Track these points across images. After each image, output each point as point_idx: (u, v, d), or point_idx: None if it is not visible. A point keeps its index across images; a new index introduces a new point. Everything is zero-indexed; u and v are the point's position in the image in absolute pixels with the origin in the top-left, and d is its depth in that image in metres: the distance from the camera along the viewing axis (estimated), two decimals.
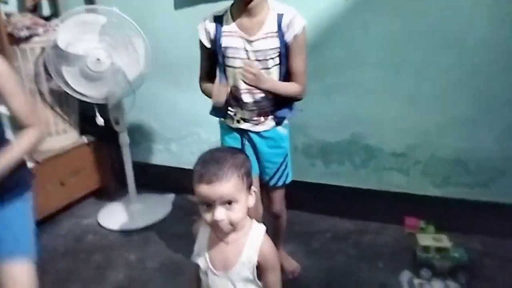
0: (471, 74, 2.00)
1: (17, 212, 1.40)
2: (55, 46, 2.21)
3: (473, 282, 1.86)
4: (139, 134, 2.79)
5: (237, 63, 1.55)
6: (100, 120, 2.38)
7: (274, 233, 1.93)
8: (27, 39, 2.30)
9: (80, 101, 2.40)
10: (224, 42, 1.54)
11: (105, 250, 2.27)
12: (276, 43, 1.51)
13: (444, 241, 1.90)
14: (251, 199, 1.13)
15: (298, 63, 1.56)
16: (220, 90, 1.55)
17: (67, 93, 2.29)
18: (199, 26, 1.59)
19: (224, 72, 1.60)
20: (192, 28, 1.66)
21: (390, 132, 2.21)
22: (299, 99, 1.65)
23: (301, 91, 1.60)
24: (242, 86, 1.56)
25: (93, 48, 2.19)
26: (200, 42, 1.60)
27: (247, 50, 1.52)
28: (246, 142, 1.69)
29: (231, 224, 1.07)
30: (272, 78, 1.57)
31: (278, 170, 1.73)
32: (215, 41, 1.55)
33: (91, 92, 2.29)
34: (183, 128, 2.67)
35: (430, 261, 1.90)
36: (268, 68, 1.56)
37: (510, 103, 1.97)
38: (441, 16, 1.96)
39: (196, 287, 1.23)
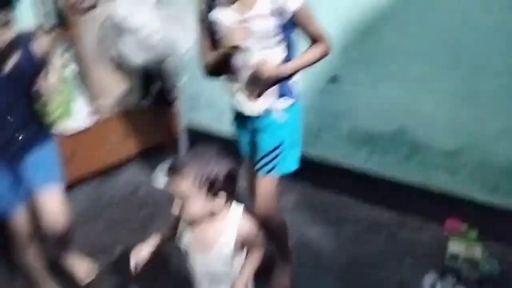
0: None
1: (47, 148, 1.69)
2: (113, 19, 2.36)
3: None
4: (193, 101, 2.92)
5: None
6: (155, 88, 2.55)
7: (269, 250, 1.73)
8: (89, 9, 2.48)
9: (140, 69, 2.57)
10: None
11: (152, 205, 2.51)
12: (270, 23, 1.50)
13: (476, 252, 1.84)
14: (217, 202, 1.18)
15: (312, 29, 1.55)
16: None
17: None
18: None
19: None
20: None
21: (441, 129, 2.10)
22: (327, 54, 1.61)
23: (327, 47, 1.59)
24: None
25: (147, 21, 2.31)
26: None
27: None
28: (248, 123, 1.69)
29: (188, 215, 1.18)
30: (288, 64, 1.56)
31: (266, 156, 1.64)
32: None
33: (146, 62, 2.44)
34: None
35: (457, 269, 1.85)
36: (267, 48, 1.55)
37: None
38: (503, 15, 1.77)
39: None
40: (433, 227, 2.18)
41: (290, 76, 1.59)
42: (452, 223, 2.06)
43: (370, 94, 2.23)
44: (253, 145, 1.70)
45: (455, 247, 1.87)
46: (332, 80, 2.31)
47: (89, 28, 2.50)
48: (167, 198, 2.47)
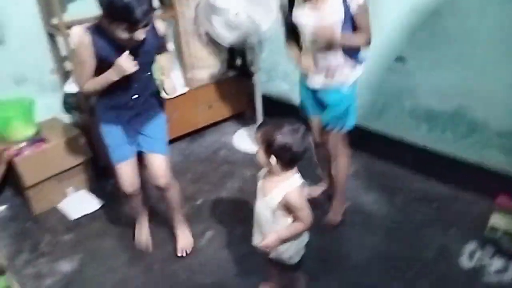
0: None
1: (162, 122, 2.01)
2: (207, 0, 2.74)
3: None
4: (273, 72, 3.24)
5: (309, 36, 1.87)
6: (239, 61, 2.91)
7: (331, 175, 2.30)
8: (154, 10, 2.86)
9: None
10: (295, 17, 1.88)
11: (231, 164, 2.92)
12: (340, 15, 1.77)
13: None
14: (271, 160, 1.45)
15: (364, 22, 1.82)
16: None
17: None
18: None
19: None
20: None
21: (498, 110, 2.18)
22: (368, 45, 1.89)
23: (368, 37, 1.86)
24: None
25: (235, 2, 2.65)
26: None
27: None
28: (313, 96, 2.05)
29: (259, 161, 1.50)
30: (342, 36, 1.81)
31: (336, 118, 2.03)
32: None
33: (231, 38, 2.80)
34: None
35: (498, 241, 1.99)
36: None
37: None
38: None
39: None
40: (483, 202, 2.29)
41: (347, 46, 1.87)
42: (503, 200, 2.15)
43: (432, 74, 2.36)
44: (321, 107, 2.06)
45: (496, 220, 1.99)
46: (398, 60, 2.47)
47: (187, 7, 2.91)
48: (243, 158, 2.92)
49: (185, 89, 2.99)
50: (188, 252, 2.17)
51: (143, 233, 2.23)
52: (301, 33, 1.92)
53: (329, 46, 1.84)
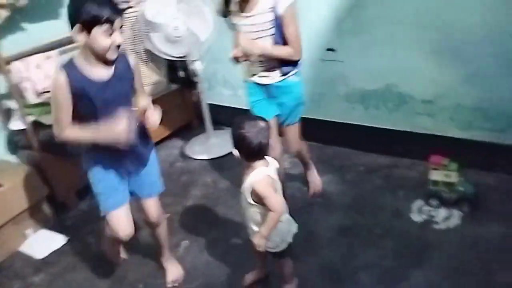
0: (495, 31, 2.17)
1: (154, 161, 1.92)
2: (144, 16, 2.82)
3: (475, 212, 2.22)
4: (213, 81, 3.39)
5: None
6: (181, 73, 3.01)
7: (304, 164, 2.51)
8: (124, 10, 2.93)
9: (167, 58, 3.03)
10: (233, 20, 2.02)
11: (189, 174, 3.02)
12: (270, 16, 1.90)
13: (452, 177, 2.25)
14: (238, 154, 1.63)
15: (290, 30, 1.93)
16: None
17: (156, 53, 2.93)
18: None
19: None
20: None
21: (420, 82, 2.50)
22: (295, 60, 2.02)
23: (293, 52, 1.97)
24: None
25: (173, 17, 2.76)
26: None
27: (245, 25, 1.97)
28: (265, 92, 2.15)
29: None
30: (264, 45, 1.94)
31: (292, 111, 2.15)
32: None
33: (173, 52, 2.90)
34: None
35: (439, 193, 2.29)
36: (261, 37, 1.97)
37: None
38: None
39: None
40: (420, 164, 2.59)
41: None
42: (435, 159, 2.43)
43: (361, 59, 2.63)
44: (275, 106, 2.16)
45: (434, 175, 2.29)
46: (329, 50, 2.72)
47: (125, 26, 2.95)
48: (200, 166, 3.02)
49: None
50: (178, 283, 2.13)
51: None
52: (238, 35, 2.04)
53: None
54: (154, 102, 3.13)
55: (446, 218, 2.24)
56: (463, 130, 2.49)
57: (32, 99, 2.58)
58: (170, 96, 3.29)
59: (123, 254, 2.24)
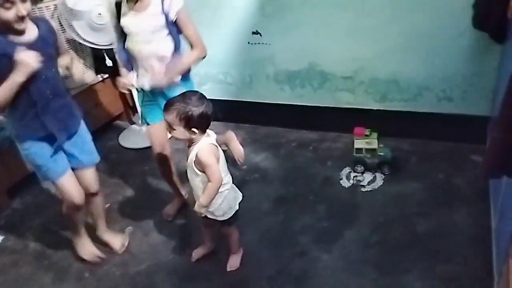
0: (402, 10, 2.43)
1: (85, 130, 2.00)
2: (65, 4, 2.74)
3: (395, 173, 2.49)
4: None
5: (135, 36, 1.95)
6: (108, 62, 2.97)
7: None
8: None
9: (92, 48, 2.97)
10: (122, 21, 1.95)
11: (125, 164, 3.00)
12: (161, 20, 1.90)
13: (373, 144, 2.50)
14: (190, 134, 1.68)
15: (190, 32, 1.96)
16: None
17: (80, 42, 2.86)
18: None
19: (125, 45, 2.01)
20: None
21: (339, 60, 2.72)
22: (204, 56, 2.01)
23: (201, 52, 1.98)
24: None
25: (95, 4, 2.71)
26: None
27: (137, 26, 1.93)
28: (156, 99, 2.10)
29: (177, 139, 1.71)
30: (175, 65, 1.93)
31: None
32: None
33: (97, 40, 2.85)
34: None
35: (362, 159, 2.53)
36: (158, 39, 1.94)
37: (431, 34, 2.43)
38: None
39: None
40: (345, 137, 2.84)
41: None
42: (358, 130, 2.67)
43: (285, 41, 2.79)
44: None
45: (359, 144, 2.52)
46: (254, 33, 2.84)
47: (43, 15, 2.83)
48: (136, 155, 3.02)
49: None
50: (126, 244, 2.26)
51: (88, 244, 2.21)
52: (129, 38, 1.98)
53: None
54: (82, 93, 3.12)
55: (371, 181, 2.49)
56: (379, 102, 2.75)
57: None
58: (99, 86, 3.22)
59: (100, 253, 2.21)
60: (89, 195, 2.08)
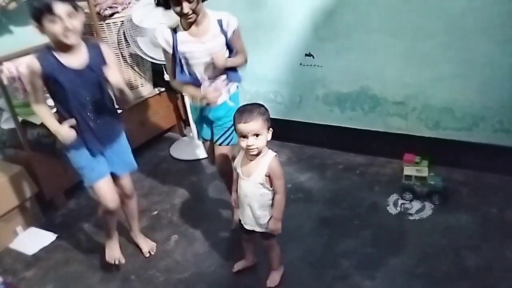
0: (458, 37, 2.40)
1: (125, 142, 2.12)
2: (131, 21, 2.93)
3: (445, 203, 2.41)
4: None
5: (196, 60, 2.03)
6: (166, 76, 3.11)
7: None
8: (110, 16, 3.03)
9: (152, 63, 3.14)
10: (181, 48, 2.02)
11: (175, 174, 3.11)
12: (222, 40, 2.03)
13: (424, 172, 2.44)
14: (269, 135, 1.78)
15: (239, 45, 2.09)
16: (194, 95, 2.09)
17: (142, 57, 3.03)
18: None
19: (183, 69, 2.07)
20: None
21: (392, 85, 2.70)
22: (246, 63, 2.15)
23: (244, 59, 2.13)
24: (205, 75, 2.07)
25: (159, 22, 2.87)
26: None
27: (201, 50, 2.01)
28: (205, 116, 2.19)
29: (257, 148, 1.74)
30: (228, 59, 2.06)
31: (225, 133, 2.18)
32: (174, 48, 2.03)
33: (158, 56, 3.00)
34: None
35: (412, 187, 2.47)
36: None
37: (487, 62, 2.37)
38: None
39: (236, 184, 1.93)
40: (394, 162, 2.78)
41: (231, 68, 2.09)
42: (408, 157, 2.61)
43: (337, 63, 2.82)
44: (212, 129, 2.22)
45: (409, 171, 2.48)
46: (308, 55, 2.89)
47: (109, 32, 3.04)
48: (185, 167, 3.12)
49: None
50: (154, 251, 2.37)
51: (115, 248, 2.30)
52: (189, 63, 2.05)
53: (219, 69, 2.04)
54: (139, 105, 3.29)
55: (419, 209, 2.43)
56: (432, 130, 2.69)
57: (21, 98, 2.64)
58: (155, 99, 3.38)
59: (121, 258, 2.27)
60: (124, 197, 2.21)
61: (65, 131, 1.82)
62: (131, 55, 3.16)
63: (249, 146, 1.73)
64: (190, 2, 1.88)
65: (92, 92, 1.90)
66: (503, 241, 2.12)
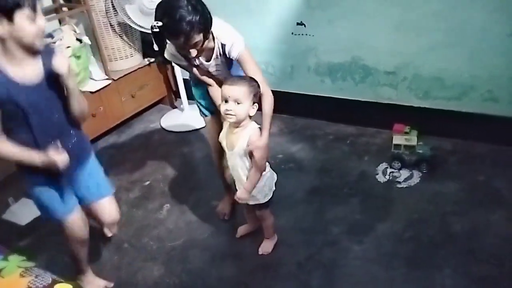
0: (450, 5, 2.38)
1: (95, 165, 1.83)
2: None
3: (433, 172, 2.46)
4: None
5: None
6: (156, 46, 3.07)
7: None
8: None
9: (141, 32, 3.08)
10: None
11: (166, 145, 3.11)
12: (222, 59, 1.90)
13: (412, 141, 2.48)
14: (252, 111, 1.74)
15: (252, 71, 1.83)
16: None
17: (130, 26, 2.98)
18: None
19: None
20: None
21: (383, 55, 2.69)
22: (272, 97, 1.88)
23: (270, 96, 1.83)
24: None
25: None
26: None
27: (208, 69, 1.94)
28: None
29: (235, 116, 1.69)
30: (264, 134, 1.79)
31: None
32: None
33: (147, 25, 2.95)
34: None
35: (400, 156, 2.51)
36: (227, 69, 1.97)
37: (478, 31, 2.38)
38: None
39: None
40: (384, 132, 2.80)
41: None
42: (398, 127, 2.64)
43: (329, 33, 2.79)
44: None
45: (398, 140, 2.51)
46: (299, 24, 2.86)
47: (98, 0, 2.98)
48: (176, 138, 3.12)
49: (107, 82, 3.07)
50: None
51: (93, 279, 2.04)
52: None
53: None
54: (129, 76, 3.25)
55: (407, 177, 2.47)
56: (422, 99, 2.71)
57: None
58: (145, 70, 3.34)
59: (107, 283, 2.06)
60: (109, 226, 2.04)
61: (56, 157, 1.51)
62: (119, 24, 3.10)
63: (227, 110, 1.69)
64: (196, 46, 1.72)
65: (52, 110, 1.56)
66: (489, 208, 2.18)
